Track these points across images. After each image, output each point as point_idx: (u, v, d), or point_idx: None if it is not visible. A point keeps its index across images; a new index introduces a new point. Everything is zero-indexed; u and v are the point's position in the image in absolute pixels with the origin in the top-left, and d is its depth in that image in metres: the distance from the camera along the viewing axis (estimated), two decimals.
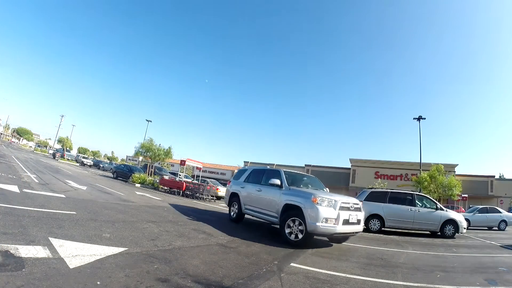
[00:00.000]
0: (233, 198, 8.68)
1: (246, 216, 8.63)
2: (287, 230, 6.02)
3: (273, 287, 3.25)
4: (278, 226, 6.65)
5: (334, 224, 5.65)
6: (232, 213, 8.66)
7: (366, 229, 11.31)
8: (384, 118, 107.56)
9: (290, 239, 5.94)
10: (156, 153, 23.67)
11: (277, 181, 6.74)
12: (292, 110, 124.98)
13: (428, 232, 11.51)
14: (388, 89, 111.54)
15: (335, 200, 5.82)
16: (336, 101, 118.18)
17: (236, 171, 11.02)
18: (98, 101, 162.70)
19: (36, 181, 10.21)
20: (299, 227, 5.86)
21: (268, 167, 8.57)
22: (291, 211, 6.09)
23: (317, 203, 5.67)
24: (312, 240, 6.09)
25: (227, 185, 9.41)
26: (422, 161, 25.91)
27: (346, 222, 5.84)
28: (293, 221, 5.97)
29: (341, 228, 5.76)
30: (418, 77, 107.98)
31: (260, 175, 7.98)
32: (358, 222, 6.23)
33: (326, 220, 5.56)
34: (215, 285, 3.03)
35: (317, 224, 5.52)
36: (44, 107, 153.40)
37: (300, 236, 5.83)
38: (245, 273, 3.63)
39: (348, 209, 6.01)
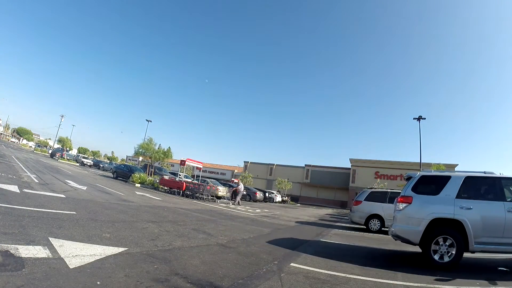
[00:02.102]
0: (437, 230, 5.23)
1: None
2: None
3: (273, 287, 3.24)
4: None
5: None
6: (437, 255, 5.23)
7: (366, 229, 11.37)
8: (384, 118, 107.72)
9: None
10: (155, 154, 23.68)
11: None
12: (292, 111, 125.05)
13: None
14: (388, 89, 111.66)
15: None
16: (336, 101, 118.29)
17: (413, 179, 5.85)
18: (98, 101, 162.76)
19: (36, 181, 10.20)
20: None
21: (501, 173, 5.82)
22: None
23: None
24: None
25: (398, 204, 5.79)
26: (422, 161, 25.93)
27: None
28: None
29: None
30: (418, 77, 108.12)
31: (497, 186, 5.39)
32: None
33: None
34: (215, 285, 3.02)
35: None
36: (44, 107, 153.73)
37: None
38: (245, 273, 3.63)
39: None
